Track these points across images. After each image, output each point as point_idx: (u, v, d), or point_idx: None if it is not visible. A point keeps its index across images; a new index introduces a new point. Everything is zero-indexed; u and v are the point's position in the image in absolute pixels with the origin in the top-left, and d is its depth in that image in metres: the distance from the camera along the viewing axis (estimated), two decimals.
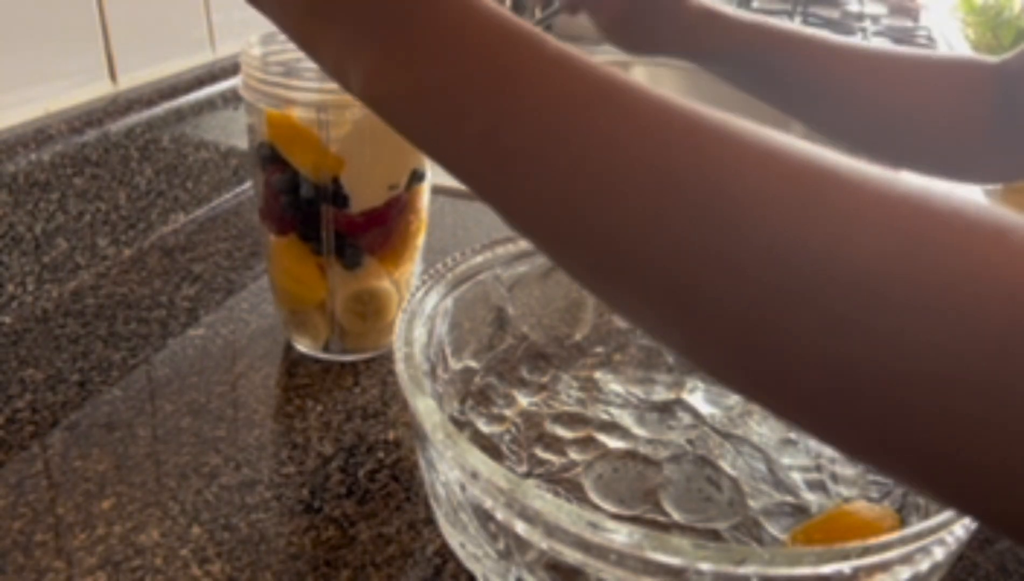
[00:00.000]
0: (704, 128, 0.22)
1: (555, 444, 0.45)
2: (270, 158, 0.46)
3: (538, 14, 1.17)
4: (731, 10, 0.51)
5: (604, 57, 1.29)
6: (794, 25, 0.52)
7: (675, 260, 0.21)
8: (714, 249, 0.20)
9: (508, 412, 0.47)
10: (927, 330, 0.18)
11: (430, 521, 0.40)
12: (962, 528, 0.29)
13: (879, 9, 1.71)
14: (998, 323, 0.17)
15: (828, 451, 0.45)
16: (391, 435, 0.46)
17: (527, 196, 0.24)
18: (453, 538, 0.36)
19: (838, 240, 0.19)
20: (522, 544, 0.31)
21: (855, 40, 0.52)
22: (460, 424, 0.45)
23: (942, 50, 1.28)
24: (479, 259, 0.46)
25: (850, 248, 0.19)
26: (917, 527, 0.29)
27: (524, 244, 0.48)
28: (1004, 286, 0.17)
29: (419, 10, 0.25)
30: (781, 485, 0.42)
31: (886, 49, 0.53)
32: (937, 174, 0.56)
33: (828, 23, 1.50)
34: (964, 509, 0.20)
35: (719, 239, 0.20)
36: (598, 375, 0.50)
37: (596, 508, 0.41)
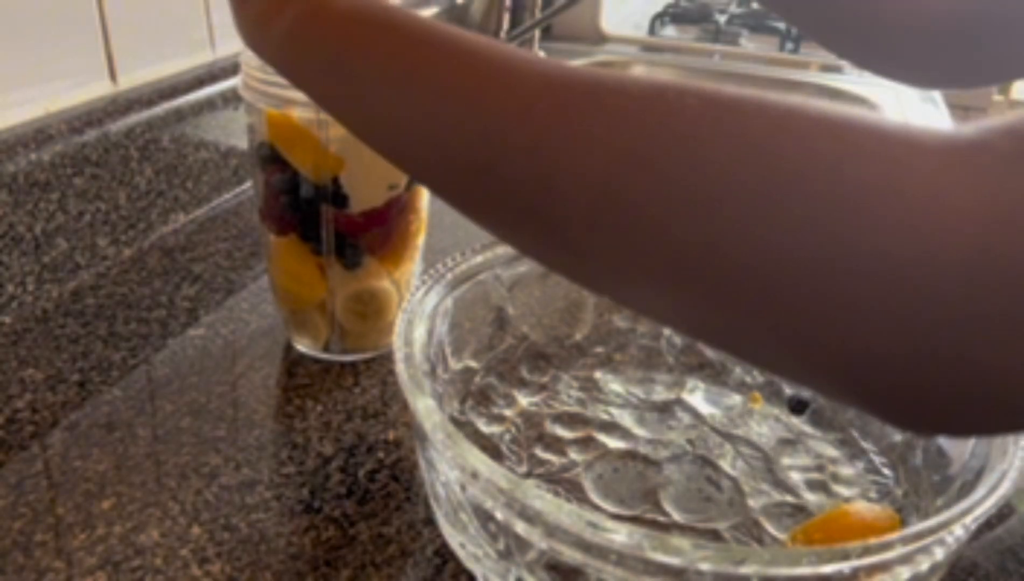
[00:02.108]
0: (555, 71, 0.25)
1: (555, 444, 0.45)
2: (270, 158, 0.46)
3: (538, 14, 1.17)
4: None
5: (603, 57, 1.29)
6: None
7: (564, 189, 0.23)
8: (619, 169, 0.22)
9: (508, 412, 0.47)
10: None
11: (430, 521, 0.40)
12: (962, 528, 0.29)
13: None
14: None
15: (828, 451, 0.45)
16: (391, 435, 0.46)
17: (421, 128, 0.26)
18: (453, 538, 0.36)
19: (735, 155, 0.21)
20: (522, 544, 0.31)
21: None
22: (460, 424, 0.45)
23: None
24: (479, 259, 0.46)
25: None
26: (917, 527, 0.29)
27: None
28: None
29: None
30: (781, 485, 0.42)
31: None
32: (905, 76, 0.55)
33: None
34: (840, 393, 0.21)
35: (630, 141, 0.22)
36: (598, 375, 0.50)
37: (596, 508, 0.41)
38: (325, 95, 0.30)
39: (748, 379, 0.50)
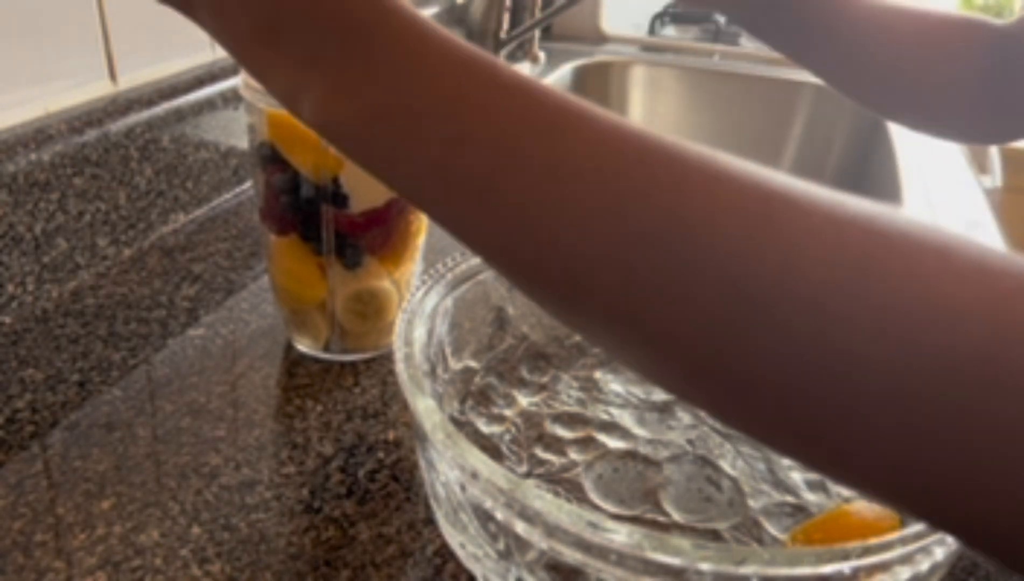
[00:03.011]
0: (656, 154, 0.22)
1: (555, 444, 0.45)
2: (270, 158, 0.46)
3: (538, 14, 1.17)
4: None
5: (605, 57, 1.29)
6: None
7: (629, 286, 0.21)
8: (666, 275, 0.20)
9: (508, 412, 0.47)
10: (876, 349, 0.18)
11: (430, 521, 0.40)
12: None
13: None
14: (943, 342, 0.18)
15: None
16: (391, 435, 0.46)
17: (480, 221, 0.24)
18: (453, 538, 0.36)
19: (787, 264, 0.19)
20: (522, 544, 0.31)
21: None
22: (460, 424, 0.45)
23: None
24: (479, 259, 0.46)
25: (799, 271, 0.19)
26: (917, 527, 0.29)
27: None
28: (948, 306, 0.18)
29: (373, 35, 0.25)
30: (781, 485, 0.42)
31: (894, 4, 0.52)
32: (924, 128, 0.56)
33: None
34: (926, 519, 0.20)
35: (670, 265, 0.20)
36: (598, 375, 0.50)
37: (596, 508, 0.41)
38: (364, 154, 0.26)
39: None
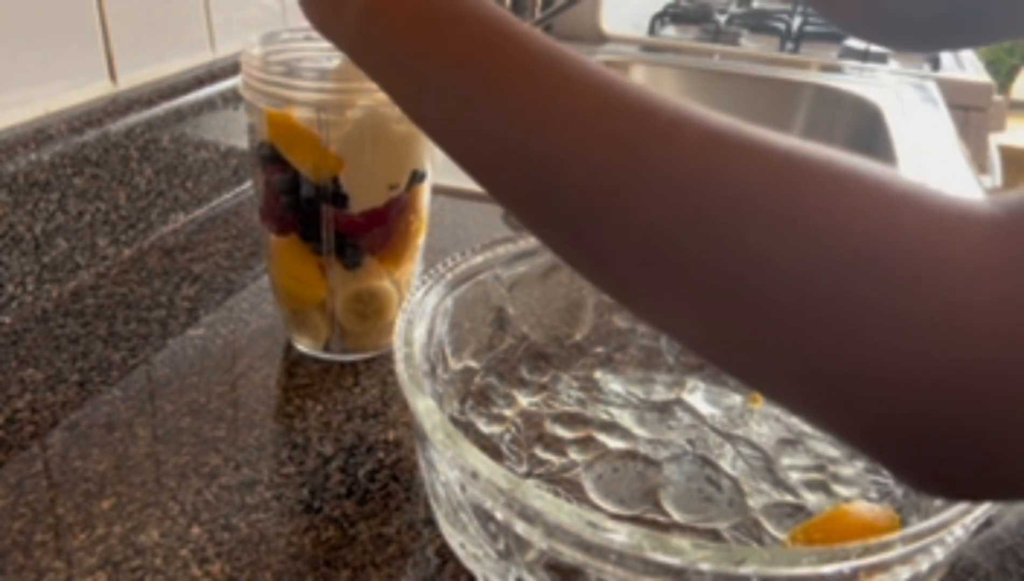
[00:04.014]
0: (625, 95, 0.25)
1: (555, 444, 0.45)
2: (270, 158, 0.46)
3: (538, 14, 1.17)
4: None
5: (605, 57, 1.29)
6: None
7: (597, 185, 0.24)
8: (625, 175, 0.23)
9: (508, 412, 0.47)
10: (786, 246, 0.21)
11: (430, 521, 0.40)
12: (962, 528, 0.29)
13: None
14: (845, 240, 0.20)
15: (828, 451, 0.45)
16: (391, 435, 0.46)
17: (484, 131, 0.27)
18: (453, 538, 0.36)
19: (718, 161, 0.22)
20: (522, 544, 0.31)
21: None
22: (460, 424, 0.45)
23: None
24: (479, 259, 0.46)
25: (731, 170, 0.22)
26: (917, 527, 0.29)
27: (524, 244, 0.48)
28: (847, 205, 0.21)
29: None
30: (781, 485, 0.42)
31: None
32: (907, 45, 0.55)
33: (828, 23, 1.50)
34: (822, 418, 0.23)
35: (629, 163, 0.23)
36: (598, 375, 0.50)
37: (596, 508, 0.41)
38: (393, 89, 0.30)
39: None
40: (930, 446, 0.20)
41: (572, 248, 0.26)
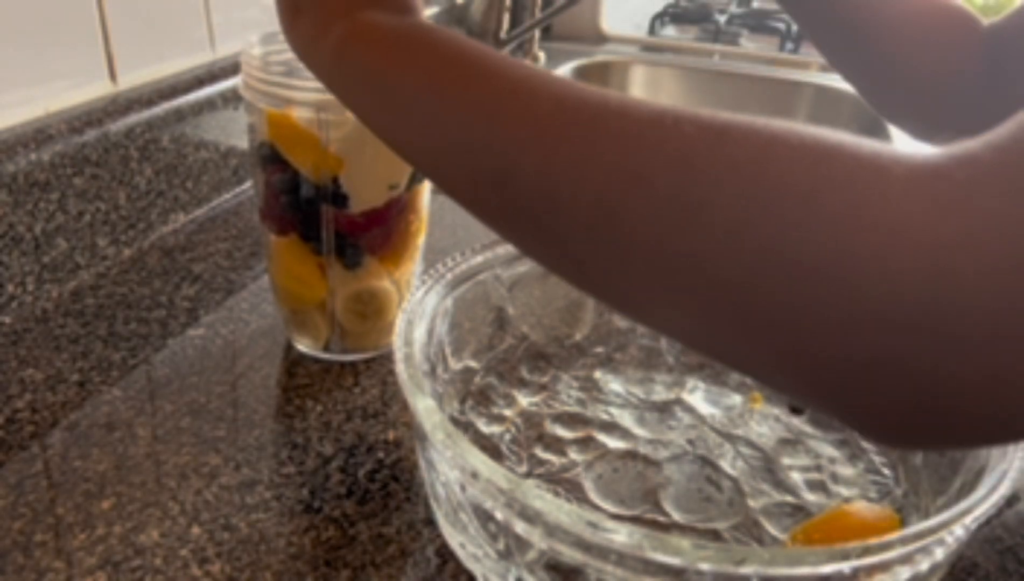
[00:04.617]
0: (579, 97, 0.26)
1: (555, 444, 0.45)
2: (270, 158, 0.46)
3: (538, 13, 1.17)
4: None
5: (604, 58, 1.29)
6: None
7: (553, 164, 0.25)
8: (580, 135, 0.25)
9: (508, 412, 0.47)
10: (721, 194, 0.22)
11: (430, 521, 0.40)
12: (962, 528, 0.29)
13: None
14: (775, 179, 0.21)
15: (828, 451, 0.45)
16: (391, 435, 0.46)
17: (442, 132, 0.28)
18: (453, 538, 0.36)
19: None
20: (522, 544, 0.31)
21: None
22: (460, 424, 0.45)
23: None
24: (479, 259, 0.46)
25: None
26: (917, 527, 0.29)
27: None
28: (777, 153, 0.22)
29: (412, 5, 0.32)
30: (781, 485, 0.42)
31: None
32: (917, 131, 0.56)
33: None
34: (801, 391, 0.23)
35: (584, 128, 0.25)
36: (598, 375, 0.50)
37: (596, 508, 0.41)
38: (367, 114, 0.32)
39: (748, 379, 0.50)
40: (875, 390, 0.21)
41: (530, 237, 0.27)
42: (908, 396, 0.20)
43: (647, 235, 0.23)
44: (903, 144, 0.97)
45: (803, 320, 0.21)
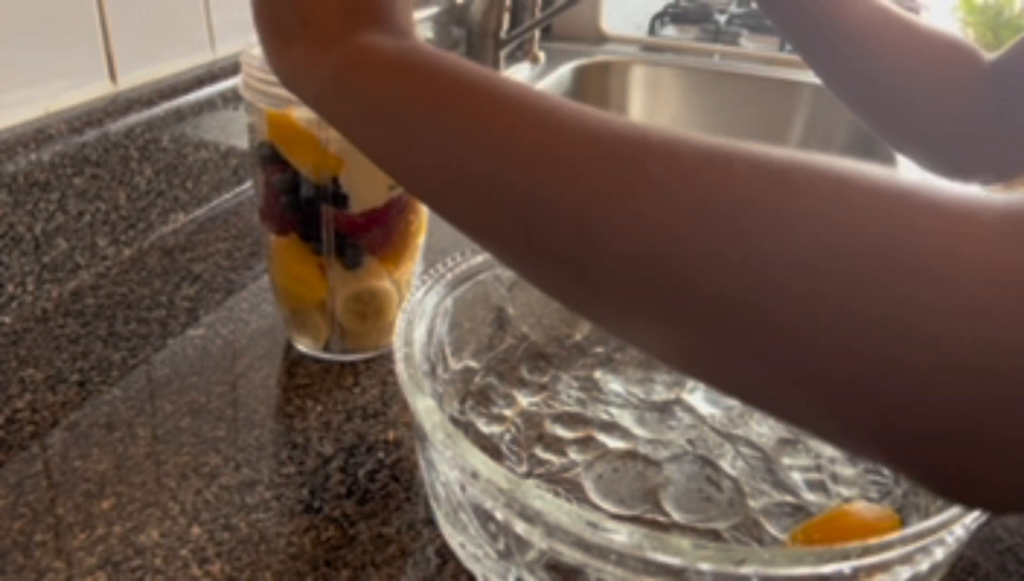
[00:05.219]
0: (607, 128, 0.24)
1: (555, 444, 0.45)
2: (270, 158, 0.46)
3: (538, 13, 1.17)
4: None
5: (604, 58, 1.29)
6: None
7: (592, 203, 0.23)
8: (620, 188, 0.23)
9: (508, 412, 0.47)
10: (788, 251, 0.20)
11: (430, 521, 0.40)
12: (962, 528, 0.29)
13: None
14: (843, 243, 0.19)
15: (828, 451, 0.45)
16: (391, 435, 0.46)
17: (466, 186, 0.26)
18: (453, 538, 0.36)
19: (823, 224, 0.20)
20: (522, 544, 0.31)
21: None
22: (460, 424, 0.45)
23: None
24: (479, 259, 0.46)
25: (834, 231, 0.20)
26: (917, 527, 0.29)
27: None
28: (847, 214, 0.19)
29: (407, 29, 0.30)
30: (781, 485, 0.42)
31: (898, 14, 0.52)
32: (929, 167, 0.56)
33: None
34: (934, 486, 0.21)
35: (624, 177, 0.23)
36: (598, 375, 0.50)
37: (596, 508, 0.41)
38: (369, 143, 0.30)
39: None
40: (971, 459, 0.19)
41: (564, 282, 0.25)
42: (1010, 466, 0.18)
43: (701, 290, 0.21)
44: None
45: (884, 387, 0.19)
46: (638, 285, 0.22)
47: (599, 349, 0.52)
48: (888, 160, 0.97)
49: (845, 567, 0.28)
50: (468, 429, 0.45)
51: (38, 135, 0.54)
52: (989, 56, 0.52)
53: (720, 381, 0.23)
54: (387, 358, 0.52)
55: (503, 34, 1.06)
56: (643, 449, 0.45)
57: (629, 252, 0.22)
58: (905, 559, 0.28)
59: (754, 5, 1.68)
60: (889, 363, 0.19)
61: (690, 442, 0.45)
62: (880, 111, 0.54)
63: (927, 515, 0.37)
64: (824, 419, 0.21)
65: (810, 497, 0.42)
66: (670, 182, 0.22)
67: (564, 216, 0.23)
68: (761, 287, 0.20)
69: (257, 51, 0.46)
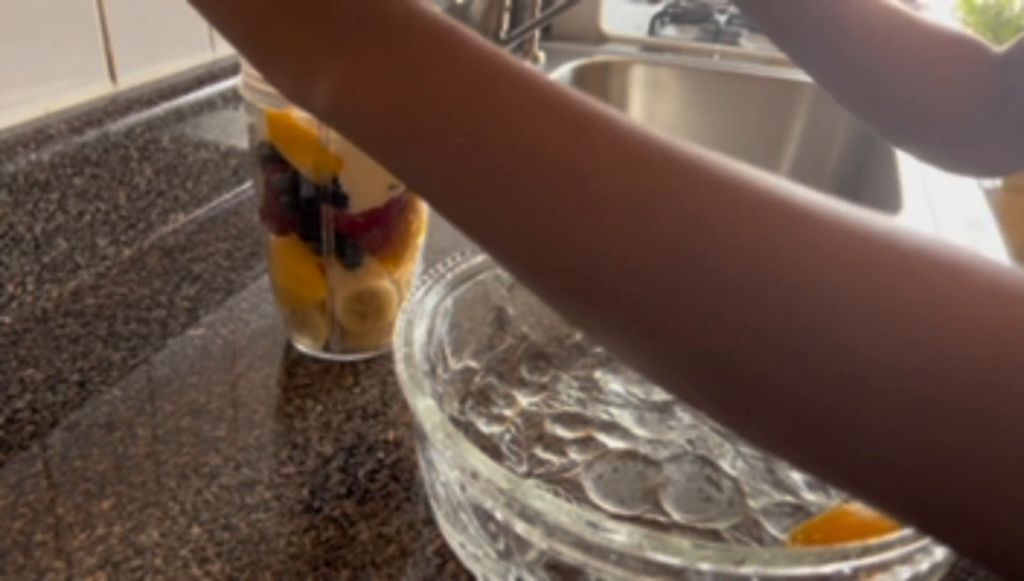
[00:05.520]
0: (679, 159, 0.22)
1: (555, 444, 0.45)
2: (270, 158, 0.46)
3: (538, 14, 1.17)
4: None
5: (604, 58, 1.29)
6: None
7: (645, 290, 0.21)
8: (682, 280, 0.20)
9: (508, 412, 0.47)
10: (891, 368, 0.18)
11: (430, 521, 0.40)
12: None
13: None
14: (953, 360, 0.18)
15: None
16: (391, 435, 0.46)
17: (495, 217, 0.23)
18: (453, 538, 0.36)
19: (804, 277, 0.19)
20: (522, 544, 0.31)
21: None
22: (460, 424, 0.45)
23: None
24: (479, 259, 0.46)
25: (816, 286, 0.19)
26: None
27: None
28: (959, 325, 0.18)
29: (406, 26, 0.24)
30: (781, 485, 0.42)
31: (902, 12, 0.51)
32: (934, 160, 0.56)
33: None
34: (941, 538, 0.20)
35: (688, 270, 0.20)
36: (598, 375, 0.50)
37: (596, 508, 0.41)
38: (385, 164, 0.26)
39: None
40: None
41: (629, 353, 0.23)
42: None
43: (789, 396, 0.20)
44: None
45: (921, 449, 0.18)
46: (712, 394, 0.21)
47: (599, 349, 0.52)
48: (888, 158, 0.97)
49: (845, 567, 0.28)
50: (468, 429, 0.45)
51: (38, 135, 0.54)
52: (997, 50, 0.52)
53: (802, 466, 0.22)
54: (387, 358, 0.52)
55: (503, 34, 1.06)
56: (643, 449, 0.45)
57: (699, 355, 0.21)
58: (905, 559, 0.28)
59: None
60: (923, 427, 0.18)
61: (690, 442, 0.45)
62: (882, 109, 0.53)
63: None
64: (922, 519, 0.20)
65: (810, 497, 0.42)
66: (738, 256, 0.20)
67: (621, 292, 0.22)
68: (857, 398, 0.19)
69: None
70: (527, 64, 0.25)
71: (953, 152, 0.54)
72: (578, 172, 0.22)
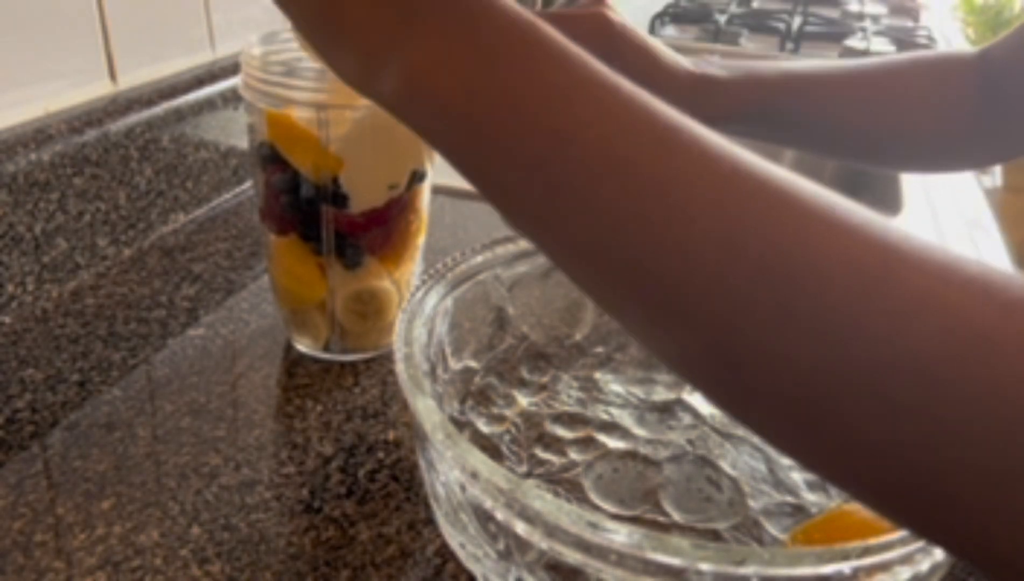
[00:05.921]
0: (772, 188, 0.21)
1: (555, 444, 0.45)
2: (270, 158, 0.46)
3: None
4: (720, 70, 0.49)
5: None
6: (783, 64, 0.50)
7: (730, 320, 0.20)
8: (771, 315, 0.20)
9: (508, 412, 0.47)
10: (987, 423, 0.18)
11: (430, 521, 0.40)
12: None
13: (879, 9, 1.71)
14: None
15: None
16: (391, 435, 0.46)
17: (572, 223, 0.22)
18: (453, 538, 0.36)
19: (899, 327, 0.19)
20: (522, 544, 0.31)
21: (832, 62, 0.51)
22: (460, 424, 0.45)
23: (941, 49, 1.29)
24: (479, 259, 0.46)
25: (910, 337, 0.18)
26: None
27: (524, 244, 0.48)
28: None
29: (487, 13, 0.23)
30: (781, 485, 0.42)
31: (862, 66, 0.51)
32: (931, 169, 0.56)
33: (828, 23, 1.50)
34: (930, 537, 0.20)
35: (777, 305, 0.20)
36: (598, 375, 0.50)
37: (596, 508, 0.41)
38: (454, 162, 0.25)
39: None
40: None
41: (699, 377, 0.23)
42: None
43: (874, 449, 0.19)
44: None
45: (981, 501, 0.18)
46: (786, 416, 0.21)
47: (599, 349, 0.52)
48: None
49: (845, 567, 0.28)
50: (468, 429, 0.45)
51: (38, 135, 0.54)
52: (970, 51, 0.52)
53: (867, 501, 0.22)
54: (387, 358, 0.52)
55: None
56: (643, 449, 0.45)
57: (776, 392, 0.20)
58: (905, 559, 0.28)
59: (755, 4, 1.68)
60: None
61: (690, 442, 0.45)
62: (877, 155, 0.54)
63: None
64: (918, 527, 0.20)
65: (810, 497, 0.42)
66: (821, 315, 0.20)
67: (701, 327, 0.21)
68: (941, 472, 0.18)
69: (257, 51, 0.46)
70: (604, 66, 0.23)
71: (948, 157, 0.54)
72: (665, 192, 0.21)
